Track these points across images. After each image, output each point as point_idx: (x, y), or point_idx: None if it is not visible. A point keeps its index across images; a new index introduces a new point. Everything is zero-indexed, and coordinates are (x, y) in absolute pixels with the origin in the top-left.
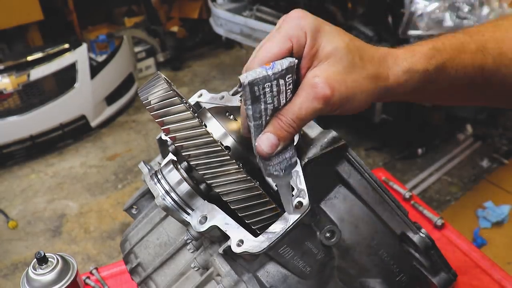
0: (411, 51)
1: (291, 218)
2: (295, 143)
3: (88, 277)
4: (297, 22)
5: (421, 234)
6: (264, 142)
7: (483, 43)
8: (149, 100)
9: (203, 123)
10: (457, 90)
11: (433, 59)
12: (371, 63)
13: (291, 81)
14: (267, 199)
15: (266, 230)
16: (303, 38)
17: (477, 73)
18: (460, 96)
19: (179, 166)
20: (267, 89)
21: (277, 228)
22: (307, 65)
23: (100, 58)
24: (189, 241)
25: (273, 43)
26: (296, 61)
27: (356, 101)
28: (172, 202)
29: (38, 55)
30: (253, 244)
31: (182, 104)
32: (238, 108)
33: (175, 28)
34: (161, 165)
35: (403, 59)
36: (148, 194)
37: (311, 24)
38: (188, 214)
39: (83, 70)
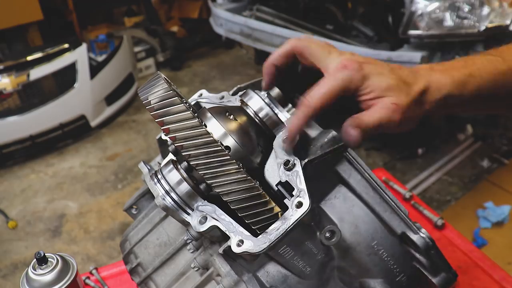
0: (450, 76)
1: (291, 218)
2: (295, 143)
3: (88, 277)
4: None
5: (421, 234)
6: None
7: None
8: (149, 100)
9: (203, 123)
10: (482, 103)
11: (469, 85)
12: (416, 92)
13: None
14: (267, 199)
15: (266, 230)
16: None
17: (505, 90)
18: (483, 107)
19: (179, 166)
20: None
21: (277, 228)
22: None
23: (100, 58)
24: (189, 241)
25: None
26: None
27: (410, 123)
28: (172, 202)
29: (38, 55)
30: (253, 244)
31: (182, 104)
32: (238, 108)
33: (175, 28)
34: (161, 165)
35: (443, 86)
36: (148, 194)
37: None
38: (188, 214)
39: (82, 70)
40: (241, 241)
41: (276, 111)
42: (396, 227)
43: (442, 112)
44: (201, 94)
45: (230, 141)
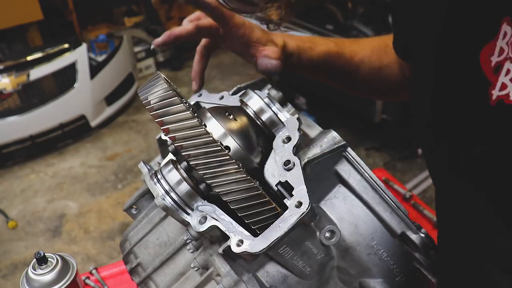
0: (295, 42)
1: (291, 218)
2: (295, 143)
3: (88, 277)
4: None
5: (421, 234)
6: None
7: (343, 48)
8: (148, 100)
9: (203, 123)
10: (317, 72)
11: (306, 54)
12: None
13: None
14: (267, 199)
15: (266, 230)
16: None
17: (332, 67)
18: (320, 76)
19: (178, 166)
20: None
21: (277, 228)
22: None
23: (100, 58)
24: (189, 241)
25: None
26: None
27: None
28: (172, 202)
29: (38, 55)
30: (253, 244)
31: (182, 104)
32: (237, 108)
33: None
34: (161, 165)
35: (291, 45)
36: (148, 194)
37: None
38: (188, 214)
39: (82, 70)
40: (241, 241)
41: (276, 111)
42: (396, 227)
43: (294, 68)
44: (201, 94)
45: (229, 141)
